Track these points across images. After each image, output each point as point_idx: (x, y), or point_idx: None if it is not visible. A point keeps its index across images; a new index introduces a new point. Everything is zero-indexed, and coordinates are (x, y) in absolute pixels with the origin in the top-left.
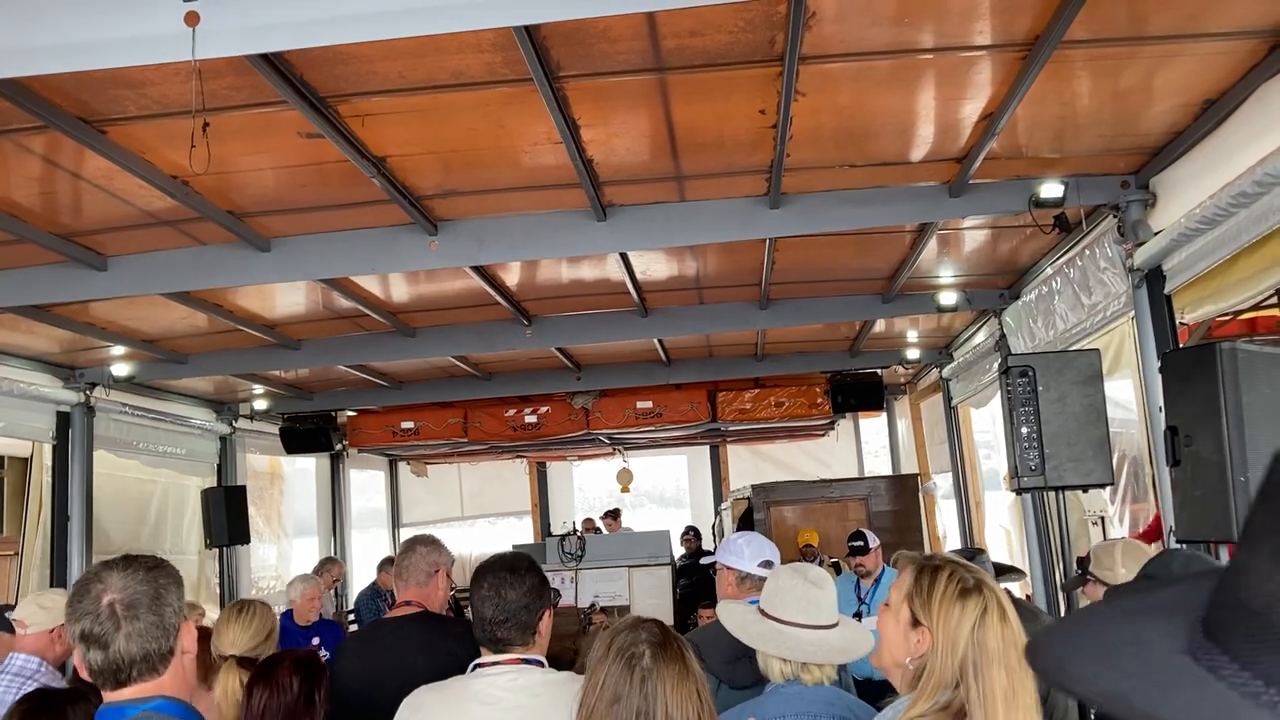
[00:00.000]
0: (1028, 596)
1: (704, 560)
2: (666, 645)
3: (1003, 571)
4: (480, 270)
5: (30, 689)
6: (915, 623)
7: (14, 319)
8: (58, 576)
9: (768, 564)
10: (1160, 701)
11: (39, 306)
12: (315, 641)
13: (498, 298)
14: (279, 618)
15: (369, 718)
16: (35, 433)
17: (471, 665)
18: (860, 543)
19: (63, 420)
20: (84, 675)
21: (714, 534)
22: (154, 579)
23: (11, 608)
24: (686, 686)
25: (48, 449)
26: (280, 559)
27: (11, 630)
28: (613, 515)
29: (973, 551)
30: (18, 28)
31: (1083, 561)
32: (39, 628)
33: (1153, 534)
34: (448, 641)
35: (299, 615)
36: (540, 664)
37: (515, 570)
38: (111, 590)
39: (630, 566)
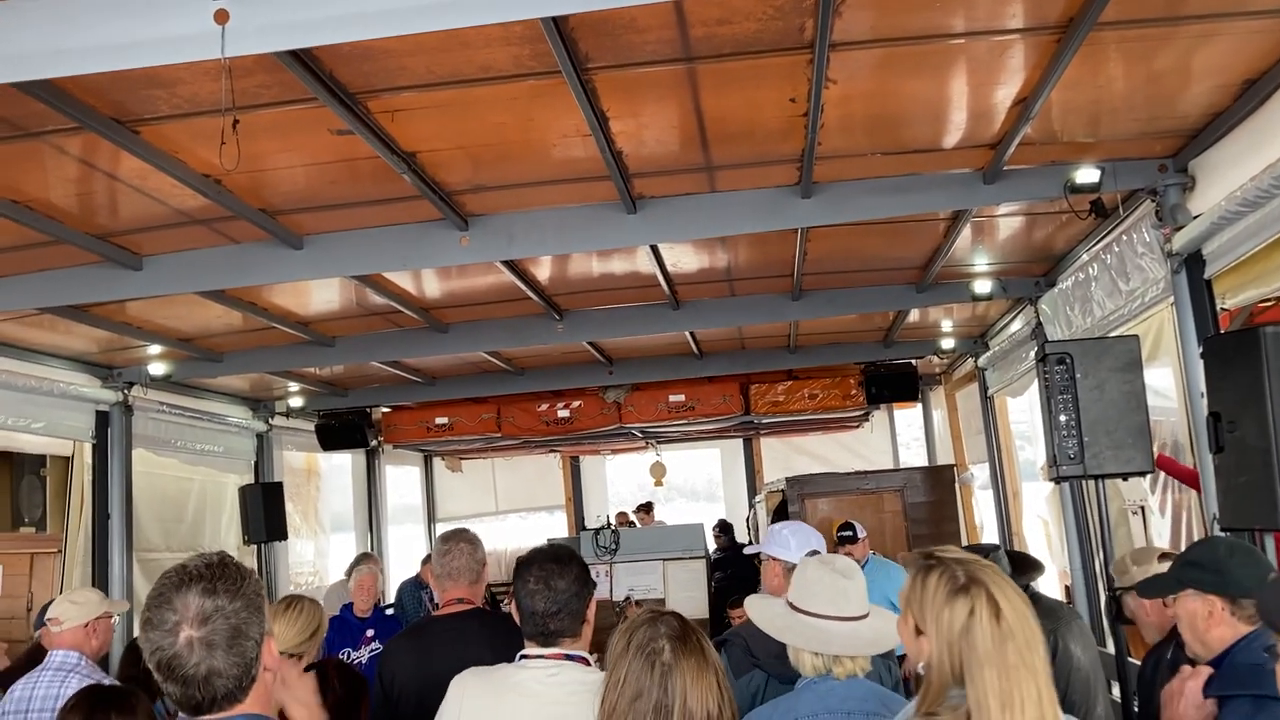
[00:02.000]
0: (1067, 588)
1: (747, 550)
2: (686, 639)
3: (1021, 569)
4: (511, 265)
5: (73, 682)
6: (918, 629)
7: (53, 319)
8: (99, 573)
9: (814, 554)
10: None
11: (77, 307)
12: (370, 634)
13: (529, 293)
14: (341, 609)
15: (428, 715)
16: (75, 432)
17: (518, 655)
18: (849, 533)
19: (102, 419)
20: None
21: (748, 527)
22: (235, 612)
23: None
24: (706, 679)
25: (88, 448)
26: (318, 555)
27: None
28: (645, 509)
29: (988, 548)
30: (51, 30)
31: (1111, 585)
32: (73, 623)
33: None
34: (512, 636)
35: (356, 606)
36: (585, 660)
37: (560, 560)
38: (188, 624)
39: (665, 560)
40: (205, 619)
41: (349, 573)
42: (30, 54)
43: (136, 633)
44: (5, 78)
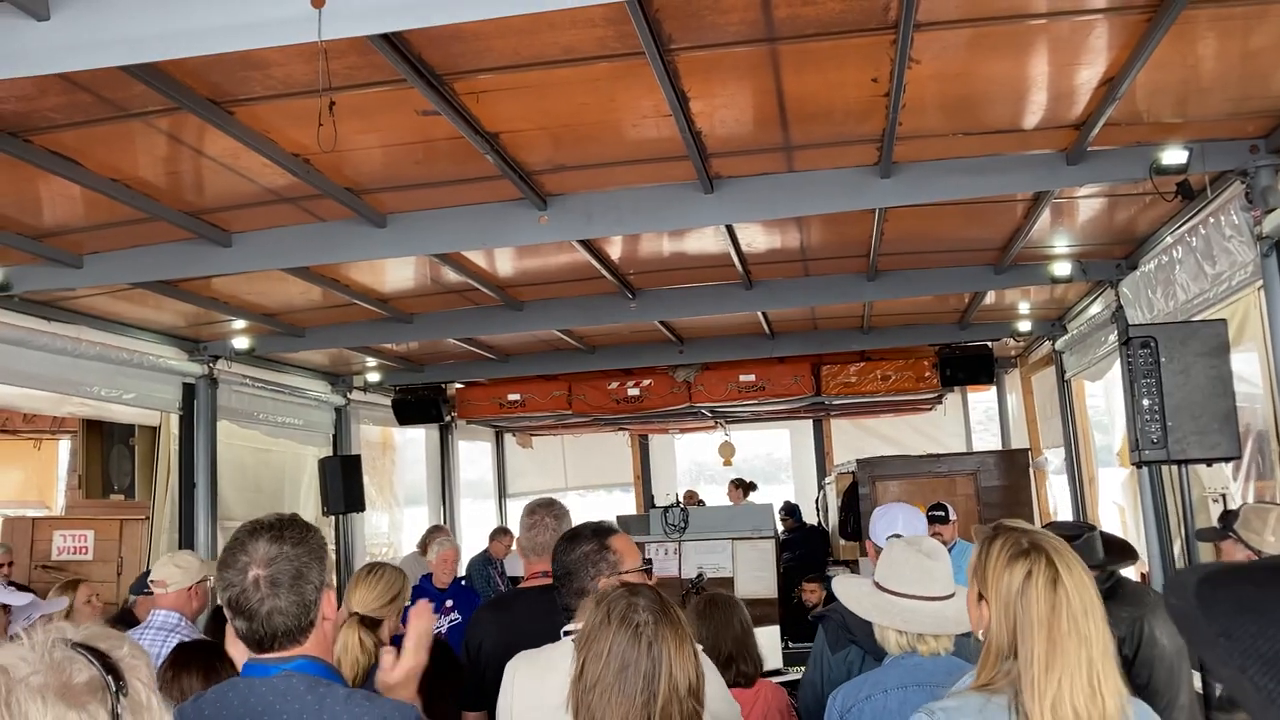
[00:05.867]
0: (1143, 575)
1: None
2: (666, 610)
3: (1115, 554)
4: (586, 244)
5: (174, 642)
6: (980, 595)
7: (143, 294)
8: (185, 540)
9: (897, 537)
10: None
11: (167, 282)
12: (449, 604)
13: (603, 271)
14: (420, 580)
15: None
16: (163, 403)
17: (562, 632)
18: (941, 513)
19: (188, 391)
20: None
21: (817, 509)
22: (298, 556)
23: (149, 573)
24: (685, 647)
25: (175, 419)
26: (392, 527)
27: (151, 593)
28: (745, 487)
29: (1084, 528)
30: (158, 14)
31: (1227, 517)
32: (178, 586)
33: None
34: None
35: (436, 578)
36: None
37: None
38: (256, 564)
39: (733, 539)
40: (271, 561)
41: (423, 545)
42: (137, 38)
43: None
44: (114, 61)
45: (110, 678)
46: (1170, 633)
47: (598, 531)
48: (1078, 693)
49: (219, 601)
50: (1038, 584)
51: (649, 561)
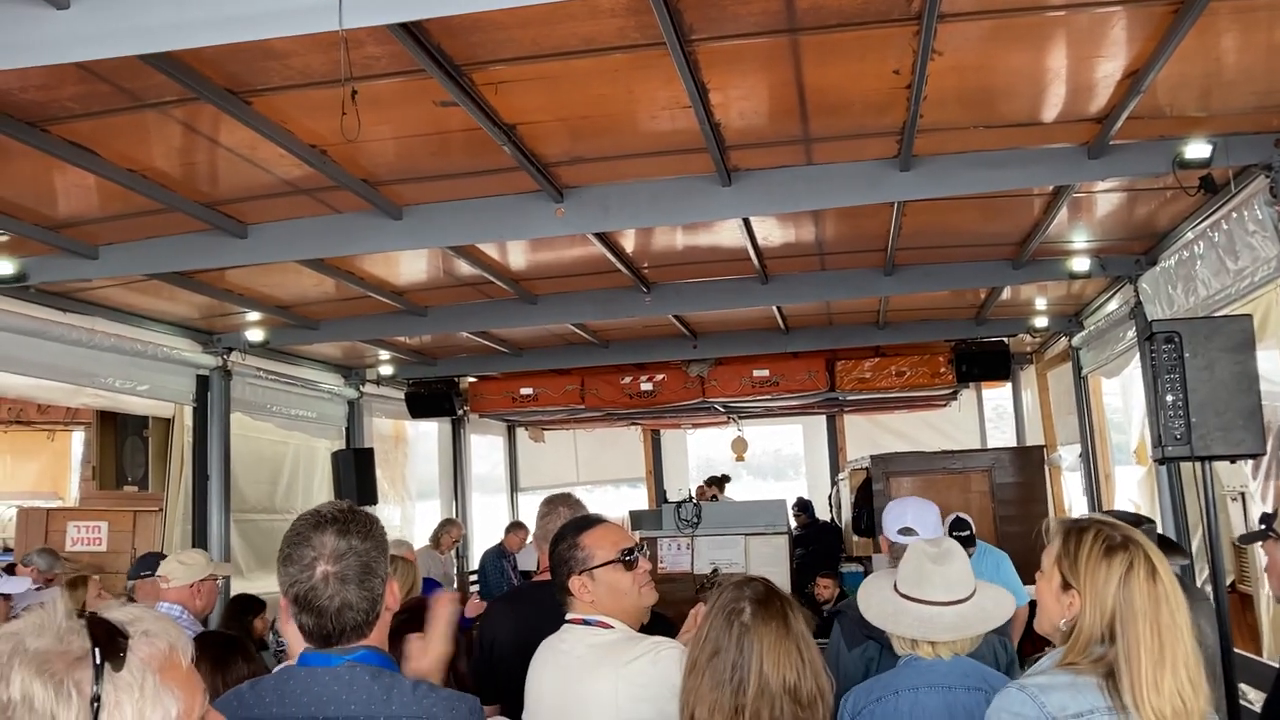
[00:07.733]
0: None
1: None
2: (768, 604)
3: (1165, 551)
4: (602, 237)
5: None
6: (1066, 585)
7: (158, 285)
8: (198, 532)
9: (907, 530)
10: None
11: (182, 273)
12: None
13: (618, 265)
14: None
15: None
16: (178, 395)
17: (567, 619)
18: (967, 533)
19: (202, 383)
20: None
21: (830, 505)
22: (366, 550)
23: (163, 556)
24: (785, 645)
25: (188, 411)
26: (404, 520)
27: (148, 577)
28: (717, 483)
29: (1142, 518)
30: (174, 3)
31: (1268, 517)
32: (180, 583)
33: None
34: None
35: None
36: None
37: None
38: (325, 560)
39: (747, 534)
40: (340, 556)
41: (435, 538)
42: (156, 27)
43: (233, 592)
44: (132, 50)
45: (99, 650)
46: (1212, 626)
47: (575, 528)
48: (1184, 684)
49: (283, 596)
50: (1139, 576)
51: (629, 552)
